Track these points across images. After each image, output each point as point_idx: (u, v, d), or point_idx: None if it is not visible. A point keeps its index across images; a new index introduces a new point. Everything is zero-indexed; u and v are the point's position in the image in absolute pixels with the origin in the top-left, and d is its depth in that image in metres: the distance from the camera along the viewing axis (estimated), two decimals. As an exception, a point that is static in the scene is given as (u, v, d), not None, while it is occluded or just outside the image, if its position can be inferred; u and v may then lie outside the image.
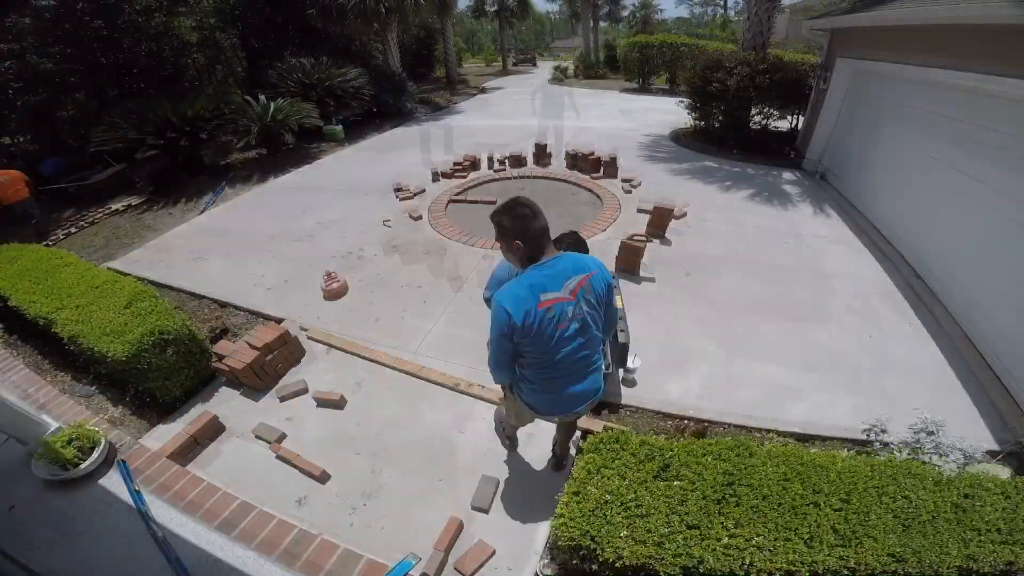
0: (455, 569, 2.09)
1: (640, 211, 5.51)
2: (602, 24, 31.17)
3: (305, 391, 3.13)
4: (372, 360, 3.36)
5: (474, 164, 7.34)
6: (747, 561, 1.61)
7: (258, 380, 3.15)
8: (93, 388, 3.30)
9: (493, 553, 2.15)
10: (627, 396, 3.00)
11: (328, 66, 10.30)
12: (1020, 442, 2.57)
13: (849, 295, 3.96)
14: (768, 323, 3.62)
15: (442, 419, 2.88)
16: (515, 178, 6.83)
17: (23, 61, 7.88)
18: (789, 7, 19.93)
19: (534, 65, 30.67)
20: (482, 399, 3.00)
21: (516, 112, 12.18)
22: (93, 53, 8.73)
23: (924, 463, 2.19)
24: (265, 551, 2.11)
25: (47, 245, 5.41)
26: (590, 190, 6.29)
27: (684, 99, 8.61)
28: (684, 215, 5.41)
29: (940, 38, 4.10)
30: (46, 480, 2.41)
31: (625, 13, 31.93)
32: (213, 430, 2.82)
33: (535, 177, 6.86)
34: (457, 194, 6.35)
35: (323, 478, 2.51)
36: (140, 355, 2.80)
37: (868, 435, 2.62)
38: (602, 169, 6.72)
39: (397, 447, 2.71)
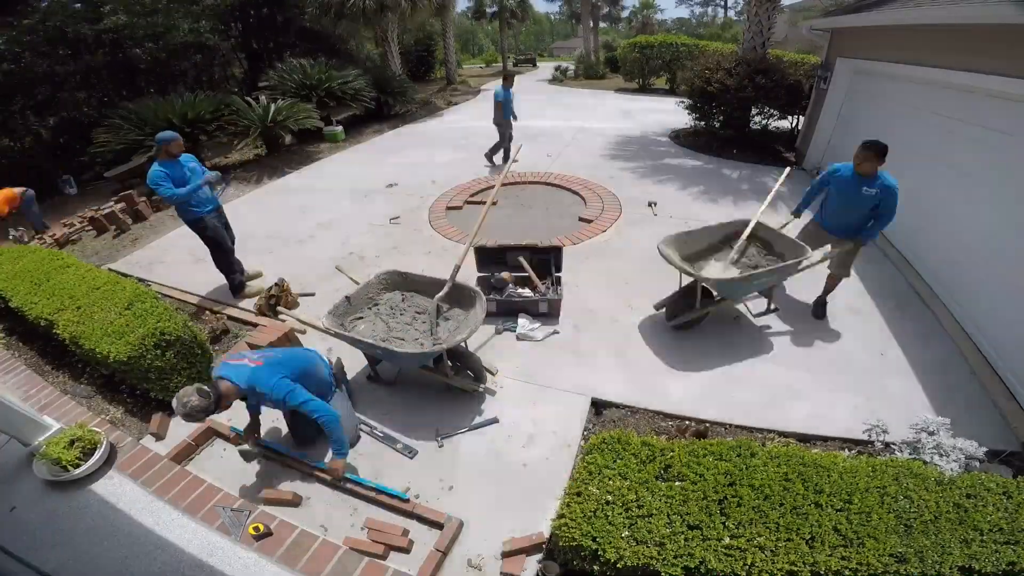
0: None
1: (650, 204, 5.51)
2: (602, 25, 31.24)
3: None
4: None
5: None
6: (749, 561, 1.60)
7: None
8: (93, 389, 3.30)
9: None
10: (628, 397, 3.00)
11: (328, 67, 10.32)
12: (1022, 442, 2.57)
13: (850, 295, 3.96)
14: (769, 323, 3.62)
15: (444, 418, 2.88)
16: (515, 182, 6.82)
17: (22, 62, 7.89)
18: (789, 7, 20.00)
19: (534, 66, 30.72)
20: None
21: (516, 113, 12.17)
22: (93, 54, 8.75)
23: (926, 463, 2.18)
24: (266, 552, 2.11)
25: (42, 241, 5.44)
26: (592, 191, 6.29)
27: (684, 100, 8.62)
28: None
29: (940, 38, 4.11)
30: (47, 481, 2.41)
31: (625, 14, 32.00)
32: (214, 431, 2.82)
33: (535, 183, 6.86)
34: (458, 195, 6.35)
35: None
36: (141, 356, 2.80)
37: (869, 435, 2.61)
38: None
39: (398, 447, 2.71)
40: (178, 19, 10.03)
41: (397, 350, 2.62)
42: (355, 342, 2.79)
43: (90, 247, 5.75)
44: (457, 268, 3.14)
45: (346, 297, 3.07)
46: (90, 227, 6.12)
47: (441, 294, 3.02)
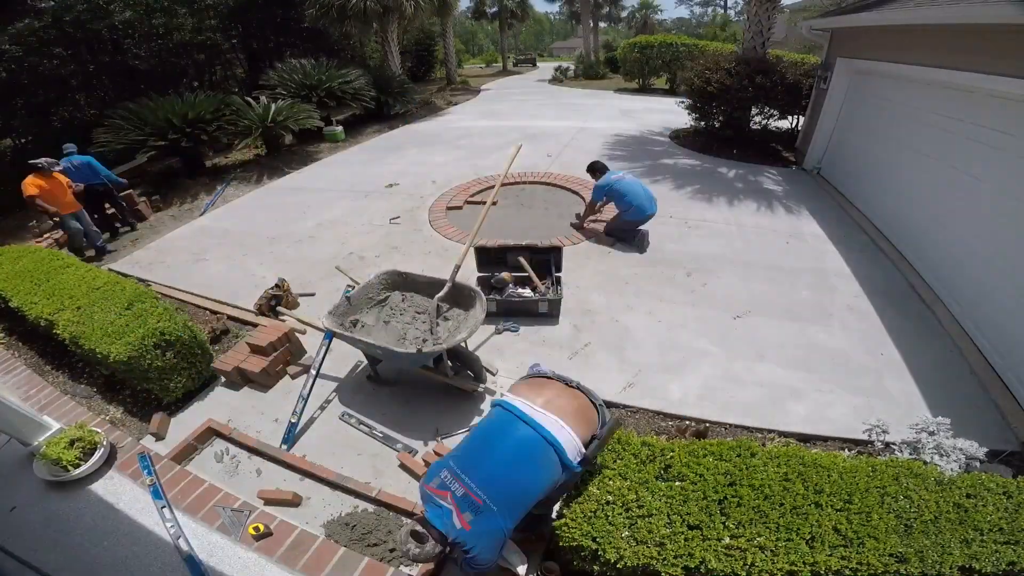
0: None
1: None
2: (602, 25, 31.23)
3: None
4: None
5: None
6: (749, 561, 1.60)
7: (268, 377, 3.17)
8: (93, 389, 3.30)
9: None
10: (628, 397, 3.00)
11: (328, 67, 10.32)
12: (1022, 442, 2.57)
13: (850, 294, 3.96)
14: (769, 323, 3.62)
15: (444, 418, 2.88)
16: (515, 183, 6.83)
17: (24, 62, 7.89)
18: (789, 7, 19.99)
19: (534, 66, 30.76)
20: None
21: (516, 113, 12.19)
22: (94, 54, 8.75)
23: (926, 463, 2.18)
24: (266, 552, 2.11)
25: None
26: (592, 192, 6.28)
27: (684, 100, 8.62)
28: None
29: (940, 38, 4.11)
30: (47, 481, 2.41)
31: (625, 14, 32.00)
32: (214, 431, 2.82)
33: (535, 183, 6.85)
34: (458, 195, 6.35)
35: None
36: (141, 356, 2.80)
37: (869, 435, 2.61)
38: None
39: (398, 446, 2.71)
40: (180, 19, 10.04)
41: (397, 350, 2.62)
42: (355, 342, 2.79)
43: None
44: (457, 268, 3.14)
45: (346, 297, 3.07)
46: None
47: (441, 294, 3.02)
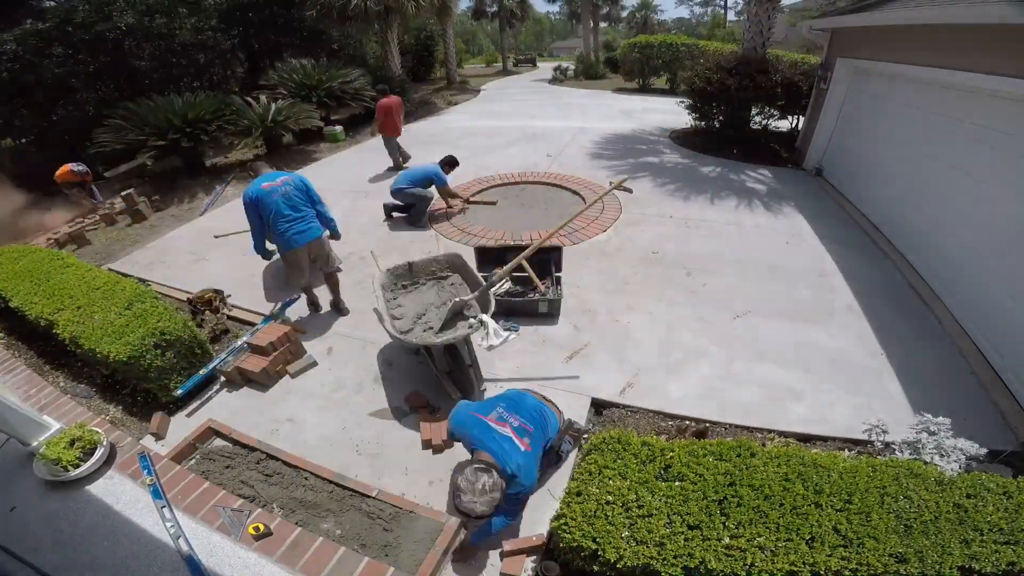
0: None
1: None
2: (602, 25, 31.24)
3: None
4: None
5: (474, 165, 7.33)
6: (749, 562, 1.60)
7: (268, 377, 3.18)
8: (93, 389, 3.30)
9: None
10: (628, 396, 3.00)
11: (329, 67, 10.32)
12: (1022, 442, 2.57)
13: (850, 294, 3.96)
14: (769, 323, 3.62)
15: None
16: (515, 183, 6.82)
17: (24, 63, 7.90)
18: (789, 7, 19.99)
19: (534, 66, 30.72)
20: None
21: (516, 113, 12.18)
22: (95, 54, 8.76)
23: (926, 463, 2.18)
24: (266, 552, 2.10)
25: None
26: (592, 191, 6.29)
27: (684, 99, 8.62)
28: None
29: (940, 38, 4.11)
30: (47, 481, 2.41)
31: (625, 14, 32.02)
32: (214, 431, 2.82)
33: (535, 182, 6.85)
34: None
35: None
36: (141, 356, 2.81)
37: (869, 435, 2.61)
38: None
39: (397, 447, 2.71)
40: (181, 19, 10.04)
41: (388, 329, 2.75)
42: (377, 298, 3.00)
43: (90, 248, 5.75)
44: (501, 277, 3.26)
45: (408, 263, 3.31)
46: (94, 227, 6.13)
47: (468, 297, 3.05)
